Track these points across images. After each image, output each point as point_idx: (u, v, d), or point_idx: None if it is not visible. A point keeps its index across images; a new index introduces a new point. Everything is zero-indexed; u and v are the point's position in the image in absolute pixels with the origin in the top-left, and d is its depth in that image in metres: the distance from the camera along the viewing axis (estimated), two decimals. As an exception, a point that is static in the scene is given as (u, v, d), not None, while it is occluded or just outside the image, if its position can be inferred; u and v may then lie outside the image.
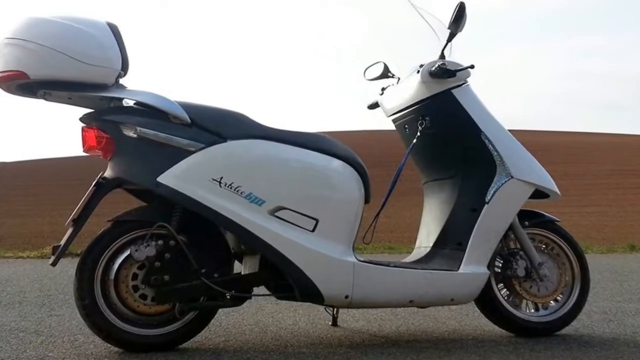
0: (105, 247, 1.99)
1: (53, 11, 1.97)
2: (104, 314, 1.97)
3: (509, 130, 2.39)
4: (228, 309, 2.72)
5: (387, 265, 2.19)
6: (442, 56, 2.37)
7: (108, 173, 2.02)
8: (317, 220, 2.06)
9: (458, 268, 2.24)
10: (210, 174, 1.99)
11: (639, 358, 2.04)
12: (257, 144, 2.06)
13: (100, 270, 1.98)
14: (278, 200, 2.03)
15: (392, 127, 2.64)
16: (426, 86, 2.36)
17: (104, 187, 2.01)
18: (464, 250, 2.26)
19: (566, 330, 2.44)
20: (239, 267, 2.20)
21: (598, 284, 3.86)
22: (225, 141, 2.03)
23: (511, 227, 2.37)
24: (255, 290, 2.17)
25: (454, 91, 2.34)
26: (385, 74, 2.66)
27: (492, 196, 2.28)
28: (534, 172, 2.36)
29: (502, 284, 2.41)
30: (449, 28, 2.30)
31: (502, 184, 2.29)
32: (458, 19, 2.26)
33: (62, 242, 1.96)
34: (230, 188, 1.99)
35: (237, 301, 2.11)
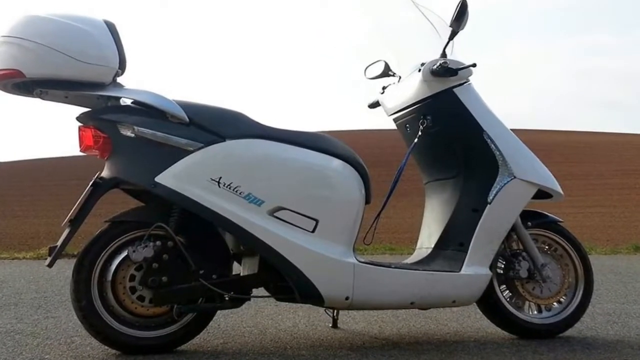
0: (103, 248, 1.99)
1: (50, 9, 1.98)
2: (101, 316, 1.97)
3: (512, 130, 2.39)
4: (227, 310, 2.72)
5: (388, 266, 2.19)
6: (444, 54, 2.37)
7: (105, 173, 2.03)
8: (317, 221, 2.06)
9: (460, 269, 2.24)
10: (209, 174, 1.99)
11: (643, 360, 2.04)
12: (256, 143, 2.06)
13: (98, 271, 1.98)
14: (277, 201, 2.03)
15: (393, 126, 2.64)
16: (428, 85, 2.36)
17: (101, 187, 2.01)
18: (466, 251, 2.27)
19: (569, 332, 2.44)
20: (237, 269, 2.20)
21: (602, 286, 3.86)
22: (224, 141, 2.03)
23: (514, 228, 2.37)
24: (255, 291, 2.18)
25: (455, 90, 2.35)
26: (386, 72, 2.66)
27: (494, 196, 2.29)
28: (537, 172, 2.37)
29: (504, 286, 2.42)
30: (450, 26, 2.30)
31: (505, 184, 2.29)
32: (460, 17, 2.26)
33: (59, 243, 1.97)
34: (229, 188, 1.99)
35: (236, 303, 2.11)
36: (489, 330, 2.52)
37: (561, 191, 2.42)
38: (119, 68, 2.00)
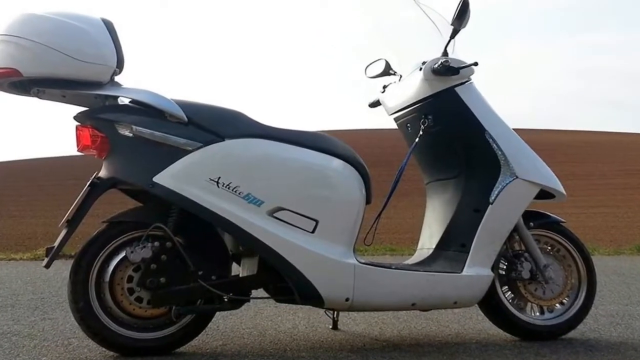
0: (100, 248, 1.99)
1: (47, 7, 1.98)
2: (99, 317, 1.97)
3: (514, 129, 2.39)
4: (226, 312, 2.72)
5: (389, 267, 2.19)
6: (445, 53, 2.37)
7: (103, 173, 2.03)
8: (316, 221, 2.06)
9: (461, 270, 2.24)
10: (208, 174, 1.99)
11: (646, 362, 2.04)
12: (256, 143, 2.06)
13: (95, 272, 1.98)
14: (277, 201, 2.03)
15: (393, 125, 2.65)
16: (429, 84, 2.36)
17: (98, 187, 2.01)
18: (468, 252, 2.26)
19: (572, 334, 2.44)
20: (237, 269, 2.20)
21: (605, 287, 3.86)
22: (223, 140, 2.03)
23: (516, 229, 2.37)
24: (254, 293, 2.18)
25: (457, 89, 2.34)
26: (387, 71, 2.66)
27: (496, 197, 2.29)
28: (539, 171, 2.37)
29: (506, 287, 2.42)
30: (452, 24, 2.30)
31: (507, 184, 2.29)
32: (461, 15, 2.26)
33: (56, 244, 1.96)
34: (228, 188, 1.99)
35: (235, 304, 2.11)
36: (491, 332, 2.52)
37: (564, 191, 2.42)
38: (117, 67, 2.00)
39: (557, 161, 18.43)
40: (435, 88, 2.35)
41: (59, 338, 2.33)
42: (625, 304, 3.27)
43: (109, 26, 2.00)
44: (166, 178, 1.97)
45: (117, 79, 2.06)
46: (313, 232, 2.06)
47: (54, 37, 1.90)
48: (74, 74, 1.93)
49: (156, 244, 1.99)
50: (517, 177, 2.30)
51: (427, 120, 2.38)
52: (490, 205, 2.28)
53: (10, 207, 16.65)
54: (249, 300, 2.16)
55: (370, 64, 2.72)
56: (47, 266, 1.98)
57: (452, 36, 2.35)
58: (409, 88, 2.46)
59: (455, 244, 2.34)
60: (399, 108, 2.53)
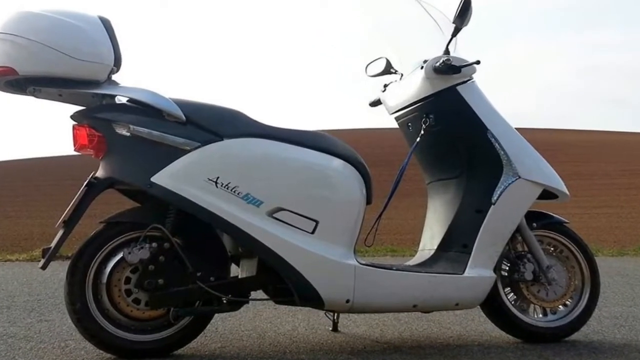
0: (97, 249, 1.99)
1: (44, 5, 1.98)
2: (96, 319, 1.97)
3: (516, 128, 2.40)
4: (224, 314, 2.71)
5: (390, 268, 2.19)
6: (447, 51, 2.37)
7: (100, 173, 2.03)
8: (316, 222, 2.06)
9: (463, 271, 2.24)
10: (206, 174, 1.99)
11: (651, 365, 2.04)
12: (255, 142, 2.06)
13: (92, 273, 1.98)
14: (276, 201, 2.03)
15: (394, 125, 2.65)
16: (430, 83, 2.36)
17: (95, 187, 2.01)
18: (470, 253, 2.27)
19: (575, 336, 2.44)
20: (235, 271, 2.20)
21: (609, 288, 3.86)
22: (222, 140, 2.03)
23: (518, 229, 2.37)
24: (253, 294, 2.18)
25: (459, 88, 2.35)
26: (388, 70, 2.66)
27: (498, 197, 2.29)
28: (542, 171, 2.37)
29: (509, 288, 2.42)
30: (453, 22, 2.30)
31: (509, 184, 2.29)
32: (463, 13, 2.26)
33: (53, 245, 1.96)
34: (227, 188, 1.99)
35: (234, 306, 2.11)
36: (493, 334, 2.52)
37: (567, 191, 2.42)
38: (114, 65, 2.00)
39: (560, 161, 18.44)
40: (437, 87, 2.35)
41: (56, 340, 2.33)
42: (629, 306, 3.27)
43: (106, 24, 2.00)
44: (164, 178, 1.97)
45: (114, 77, 2.07)
46: (313, 232, 2.06)
47: (51, 35, 1.90)
48: (70, 72, 1.93)
49: (154, 244, 1.99)
50: (519, 177, 2.30)
51: (428, 120, 2.38)
52: (492, 206, 2.28)
53: (6, 207, 16.65)
54: (248, 302, 2.16)
55: (371, 62, 2.72)
56: (44, 267, 1.98)
57: (454, 34, 2.35)
58: (410, 87, 2.46)
59: (457, 244, 2.34)
60: (400, 107, 2.53)
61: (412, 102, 2.45)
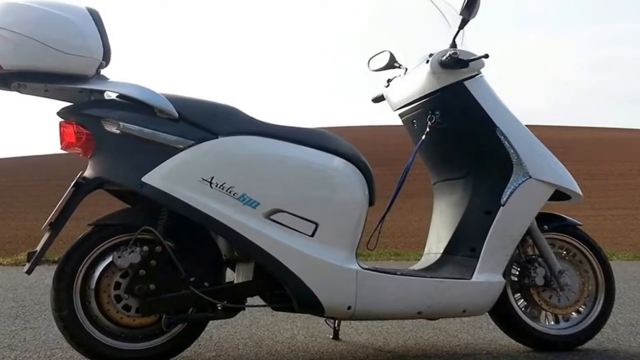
0: (85, 253, 1.99)
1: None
2: (84, 327, 1.97)
3: (527, 126, 2.40)
4: (219, 321, 2.72)
5: (394, 273, 2.19)
6: (454, 45, 2.38)
7: (88, 172, 2.03)
8: (316, 224, 2.06)
9: (471, 276, 2.24)
10: (200, 174, 1.99)
11: (668, 375, 2.04)
12: (251, 140, 2.06)
13: (80, 278, 1.98)
14: (274, 202, 2.03)
15: (399, 122, 2.65)
16: (436, 77, 2.36)
17: (83, 187, 2.01)
18: (478, 257, 2.27)
19: (589, 344, 2.44)
20: (231, 276, 2.20)
21: (624, 294, 3.86)
22: (217, 137, 2.03)
23: (529, 232, 2.37)
24: (250, 300, 2.18)
25: (466, 83, 2.35)
26: (392, 64, 2.66)
27: (508, 198, 2.29)
28: (554, 171, 2.37)
29: (519, 294, 2.42)
30: (461, 14, 2.30)
31: (519, 184, 2.30)
32: (471, 4, 2.26)
33: (38, 248, 1.96)
34: (222, 189, 1.99)
35: (230, 312, 2.11)
36: (502, 342, 2.52)
37: (580, 192, 2.42)
38: (103, 59, 2.00)
39: (573, 160, 18.43)
40: (443, 82, 2.36)
41: (42, 349, 2.33)
42: (646, 313, 3.27)
43: (94, 16, 1.99)
44: (156, 178, 1.97)
45: (103, 72, 2.06)
46: (312, 235, 2.06)
47: (37, 28, 1.90)
48: (57, 66, 1.93)
49: (145, 248, 1.99)
50: (530, 177, 2.30)
51: (434, 116, 2.38)
52: (501, 207, 2.28)
53: (-11, 209, 16.65)
54: (244, 309, 2.16)
55: (374, 56, 2.72)
56: (29, 272, 1.98)
57: (461, 27, 2.35)
58: (415, 82, 2.46)
59: (464, 248, 2.34)
60: (405, 103, 2.53)
61: (417, 97, 2.45)
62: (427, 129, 2.39)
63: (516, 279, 2.41)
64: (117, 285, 1.99)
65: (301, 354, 2.29)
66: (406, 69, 2.62)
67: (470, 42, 2.42)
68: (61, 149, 2.05)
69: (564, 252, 2.48)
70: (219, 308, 2.08)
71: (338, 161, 2.14)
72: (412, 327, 2.81)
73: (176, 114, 2.01)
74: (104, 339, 1.98)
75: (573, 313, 2.44)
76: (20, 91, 2.02)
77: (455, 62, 2.31)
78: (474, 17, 2.31)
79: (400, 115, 2.60)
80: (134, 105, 2.01)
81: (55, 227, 1.97)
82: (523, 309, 2.40)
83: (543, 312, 2.42)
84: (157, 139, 1.99)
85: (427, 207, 2.75)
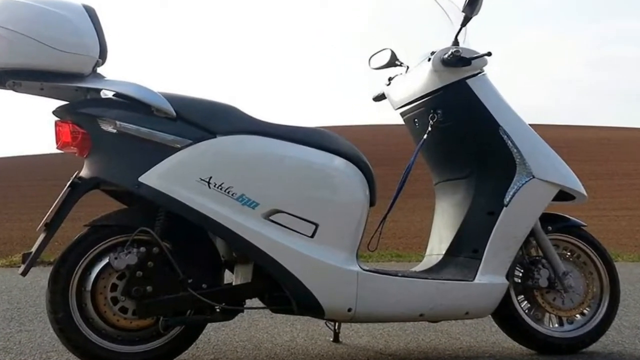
0: (82, 254, 1.99)
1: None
2: (80, 329, 1.97)
3: (530, 125, 2.40)
4: (218, 323, 2.72)
5: (395, 274, 2.19)
6: (456, 42, 2.38)
7: (84, 172, 2.02)
8: (316, 225, 2.06)
9: (474, 278, 2.24)
10: (198, 174, 1.99)
11: (674, 378, 2.04)
12: (250, 140, 2.06)
13: (76, 280, 1.98)
14: (273, 203, 2.03)
15: (400, 121, 2.65)
16: (438, 76, 2.36)
17: (79, 188, 2.00)
18: (480, 259, 2.27)
19: (593, 347, 2.44)
20: (229, 277, 2.20)
21: (629, 296, 3.86)
22: (215, 137, 2.03)
23: (532, 233, 2.37)
24: (248, 302, 2.17)
25: (469, 81, 2.35)
26: (393, 62, 2.66)
27: (511, 198, 2.29)
28: (558, 171, 2.37)
29: (522, 296, 2.42)
30: (463, 11, 2.30)
31: (523, 184, 2.29)
32: (473, 2, 2.26)
33: (34, 249, 1.96)
34: (220, 189, 1.99)
35: (228, 315, 2.11)
36: (506, 345, 2.52)
37: (584, 192, 2.42)
38: (100, 57, 2.00)
39: (577, 160, 18.45)
40: (445, 80, 2.35)
41: (37, 352, 2.33)
42: (652, 315, 3.27)
43: (90, 13, 1.99)
44: (153, 178, 1.96)
45: (99, 70, 2.06)
46: (312, 236, 2.06)
47: (32, 25, 1.90)
48: (53, 64, 1.93)
49: (142, 249, 1.99)
50: (534, 177, 2.30)
51: (436, 115, 2.38)
52: (504, 208, 2.28)
53: (-17, 209, 16.65)
54: (242, 311, 2.16)
55: (375, 54, 2.72)
56: (24, 274, 1.98)
57: (464, 24, 2.35)
58: (416, 80, 2.46)
59: (466, 249, 2.34)
60: (406, 102, 2.53)
61: (418, 96, 2.45)
62: (429, 128, 2.39)
63: (519, 281, 2.41)
64: (114, 287, 1.99)
65: (301, 357, 2.29)
66: (407, 67, 2.62)
67: (473, 40, 2.42)
68: (57, 148, 2.05)
69: (568, 254, 2.48)
70: (217, 310, 2.08)
71: (338, 161, 2.14)
72: (413, 330, 2.81)
73: (174, 113, 2.01)
74: (101, 341, 1.98)
75: (577, 315, 2.44)
76: (15, 89, 2.02)
77: (457, 60, 2.31)
78: (476, 14, 2.30)
79: (402, 114, 2.60)
80: (130, 104, 2.01)
81: (51, 228, 1.97)
82: (526, 311, 2.40)
83: (547, 315, 2.42)
84: (155, 138, 1.99)
85: (428, 208, 2.75)
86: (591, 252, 2.48)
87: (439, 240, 2.48)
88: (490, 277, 2.25)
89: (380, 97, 2.74)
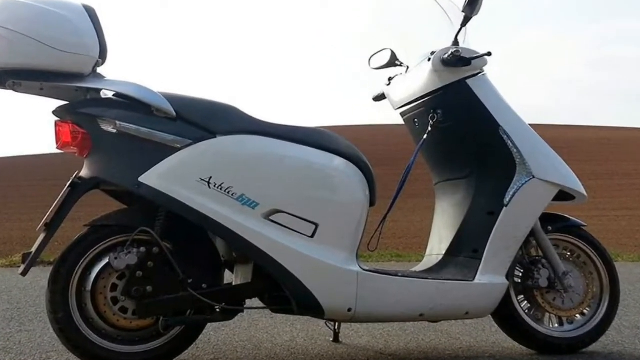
0: (82, 254, 1.99)
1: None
2: (80, 329, 1.97)
3: (530, 125, 2.40)
4: (218, 323, 2.72)
5: (395, 274, 2.19)
6: (456, 42, 2.38)
7: (84, 172, 2.02)
8: (316, 225, 2.06)
9: (474, 278, 2.24)
10: (198, 174, 1.99)
11: (674, 378, 2.04)
12: (250, 140, 2.06)
13: (76, 280, 1.98)
14: (273, 203, 2.03)
15: (400, 121, 2.65)
16: (438, 76, 2.36)
17: (79, 188, 2.01)
18: (480, 259, 2.27)
19: (593, 347, 2.44)
20: (229, 277, 2.20)
21: (629, 296, 3.86)
22: (215, 137, 2.03)
23: (532, 233, 2.37)
24: (248, 302, 2.17)
25: (469, 81, 2.35)
26: (393, 62, 2.66)
27: (511, 198, 2.29)
28: (558, 171, 2.37)
29: (522, 296, 2.42)
30: (463, 11, 2.30)
31: (523, 184, 2.29)
32: (473, 2, 2.26)
33: (34, 249, 1.96)
34: (220, 189, 1.99)
35: (228, 315, 2.11)
36: (506, 345, 2.52)
37: (584, 192, 2.42)
38: (100, 57, 2.00)
39: (577, 160, 18.44)
40: (445, 80, 2.36)
41: (37, 352, 2.33)
42: (652, 315, 3.27)
43: (90, 13, 1.99)
44: (153, 178, 1.96)
45: (99, 70, 2.06)
46: (312, 236, 2.06)
47: (32, 25, 1.90)
48: (53, 64, 1.93)
49: (142, 249, 1.99)
50: (534, 177, 2.30)
51: (436, 115, 2.38)
52: (504, 208, 2.28)
53: (-17, 209, 16.65)
54: (242, 311, 2.16)
55: (375, 54, 2.72)
56: (24, 274, 1.98)
57: (464, 24, 2.35)
58: (416, 80, 2.46)
59: (466, 249, 2.34)
60: (406, 102, 2.53)
61: (418, 96, 2.45)
62: (429, 128, 2.39)
63: (519, 281, 2.41)
64: (114, 287, 1.99)
65: (301, 357, 2.29)
66: (407, 67, 2.62)
67: (473, 40, 2.42)
68: (57, 148, 2.05)
69: (568, 254, 2.48)
70: (217, 310, 2.08)
71: (338, 161, 2.14)
72: (413, 330, 2.81)
73: (174, 113, 2.01)
74: (100, 341, 1.98)
75: (577, 315, 2.44)
76: (15, 89, 2.02)
77: (457, 60, 2.31)
78: (476, 14, 2.30)
79: (402, 114, 2.60)
80: (130, 104, 2.01)
81: (51, 228, 1.97)
82: (526, 311, 2.40)
83: (547, 315, 2.42)
84: (155, 138, 1.99)
85: (428, 208, 2.75)
86: (591, 252, 2.48)
87: (439, 240, 2.48)
88: (490, 277, 2.25)
89: (380, 97, 2.74)
